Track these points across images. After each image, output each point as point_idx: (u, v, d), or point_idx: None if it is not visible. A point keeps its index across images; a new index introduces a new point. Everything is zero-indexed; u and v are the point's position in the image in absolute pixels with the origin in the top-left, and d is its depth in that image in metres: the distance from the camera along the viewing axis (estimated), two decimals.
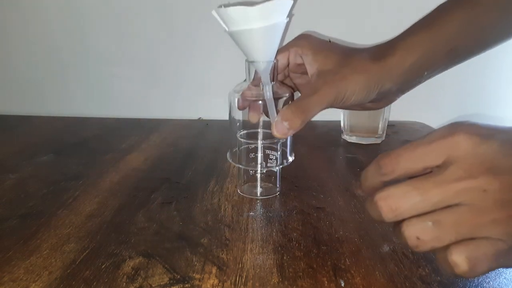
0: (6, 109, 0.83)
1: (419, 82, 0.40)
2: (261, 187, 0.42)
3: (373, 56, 0.38)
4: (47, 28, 0.79)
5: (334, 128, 0.70)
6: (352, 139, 0.64)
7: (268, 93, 0.37)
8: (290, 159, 0.41)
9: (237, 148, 0.42)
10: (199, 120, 0.81)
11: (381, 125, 0.63)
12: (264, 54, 0.36)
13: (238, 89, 0.40)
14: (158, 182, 0.45)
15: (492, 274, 0.29)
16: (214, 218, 0.37)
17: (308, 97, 0.36)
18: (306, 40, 0.41)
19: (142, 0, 0.77)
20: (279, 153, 0.41)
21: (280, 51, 0.41)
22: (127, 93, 0.82)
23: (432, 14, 0.39)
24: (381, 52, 0.38)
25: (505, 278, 0.28)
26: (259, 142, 0.40)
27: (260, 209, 0.39)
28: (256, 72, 0.38)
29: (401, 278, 0.28)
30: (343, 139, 0.65)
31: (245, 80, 0.40)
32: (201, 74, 0.80)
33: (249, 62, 0.38)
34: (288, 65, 0.42)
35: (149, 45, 0.79)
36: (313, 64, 0.39)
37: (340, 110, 0.65)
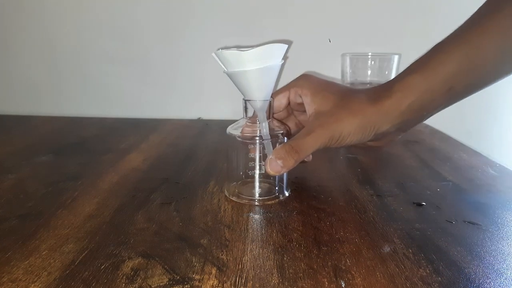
0: (5, 109, 0.83)
1: (421, 121, 0.40)
2: (260, 187, 0.42)
3: (370, 98, 0.39)
4: (47, 29, 0.79)
5: None
6: None
7: (264, 130, 0.40)
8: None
9: (235, 183, 0.43)
10: (199, 120, 0.80)
11: None
12: (260, 93, 0.39)
13: (236, 127, 0.42)
14: (157, 182, 0.45)
15: (493, 274, 0.29)
16: (213, 219, 0.37)
17: (302, 137, 0.38)
18: (305, 81, 0.43)
19: (142, 1, 0.76)
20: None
21: (280, 90, 0.43)
22: (126, 93, 0.82)
23: (429, 54, 0.38)
24: (378, 93, 0.39)
25: (506, 278, 0.28)
26: (258, 142, 0.40)
27: (260, 209, 0.39)
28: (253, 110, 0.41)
29: (402, 278, 0.28)
30: None
31: (242, 118, 0.42)
32: (201, 74, 0.80)
33: (246, 101, 0.40)
34: (288, 104, 0.44)
35: (149, 45, 0.79)
36: (312, 104, 0.40)
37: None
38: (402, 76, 0.38)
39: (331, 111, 0.39)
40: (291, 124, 0.47)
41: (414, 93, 0.37)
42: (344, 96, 0.39)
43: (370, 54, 0.60)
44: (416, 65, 0.38)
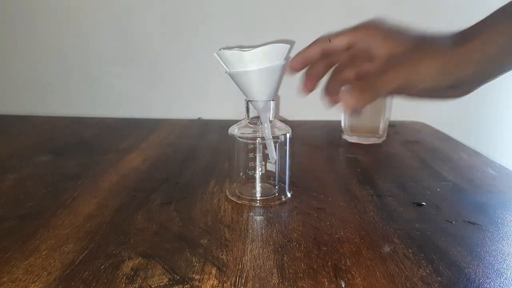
0: (6, 109, 0.83)
1: (500, 73, 0.37)
2: (260, 188, 0.42)
3: (451, 41, 0.35)
4: (48, 29, 0.79)
5: (334, 128, 0.70)
6: (353, 139, 0.64)
7: (266, 130, 0.39)
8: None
9: (236, 184, 0.43)
10: (199, 120, 0.80)
11: (381, 125, 0.62)
12: (262, 94, 0.39)
13: (238, 127, 0.41)
14: (157, 182, 0.45)
15: (493, 274, 0.29)
16: (213, 219, 0.37)
17: (376, 77, 0.34)
18: (375, 24, 0.39)
19: (142, 1, 0.76)
20: (277, 154, 0.41)
21: (343, 32, 0.39)
22: (127, 93, 0.82)
23: None
24: (461, 37, 0.36)
25: (506, 278, 0.28)
26: (259, 142, 0.40)
27: (260, 209, 0.39)
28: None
29: (402, 278, 0.28)
30: (344, 139, 0.65)
31: (244, 118, 0.42)
32: (201, 74, 0.80)
33: (248, 101, 0.40)
34: (347, 49, 0.39)
35: (149, 45, 0.79)
36: (382, 48, 0.37)
37: (341, 110, 0.65)
38: (489, 21, 0.36)
39: (406, 53, 0.35)
40: (350, 73, 0.41)
41: (500, 40, 0.34)
42: (420, 39, 0.36)
43: None
44: (505, 10, 0.36)
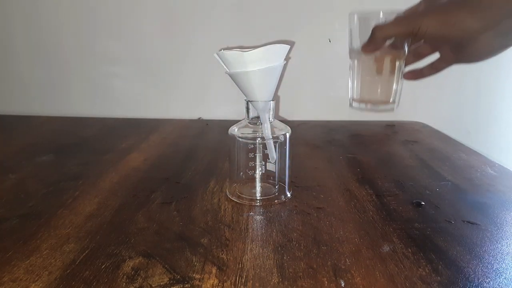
0: (6, 109, 0.83)
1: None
2: (260, 187, 0.42)
3: None
4: (48, 28, 0.79)
5: (334, 128, 0.70)
6: (361, 107, 0.57)
7: (266, 131, 0.40)
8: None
9: (236, 184, 0.43)
10: (199, 120, 0.81)
11: (395, 88, 0.53)
12: (261, 94, 0.39)
13: (238, 127, 0.42)
14: (158, 182, 0.45)
15: (492, 274, 0.29)
16: (214, 218, 0.37)
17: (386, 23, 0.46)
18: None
19: (143, 1, 0.77)
20: (277, 154, 0.41)
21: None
22: (127, 93, 0.82)
23: None
24: None
25: (505, 278, 0.28)
26: (259, 142, 0.40)
27: (260, 209, 0.39)
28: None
29: (401, 278, 0.28)
30: (353, 106, 0.58)
31: (244, 118, 0.42)
32: (201, 74, 0.80)
33: (248, 101, 0.40)
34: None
35: (149, 45, 0.79)
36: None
37: (349, 76, 0.58)
38: None
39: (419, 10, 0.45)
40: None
41: None
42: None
43: (381, 12, 0.53)
44: None
